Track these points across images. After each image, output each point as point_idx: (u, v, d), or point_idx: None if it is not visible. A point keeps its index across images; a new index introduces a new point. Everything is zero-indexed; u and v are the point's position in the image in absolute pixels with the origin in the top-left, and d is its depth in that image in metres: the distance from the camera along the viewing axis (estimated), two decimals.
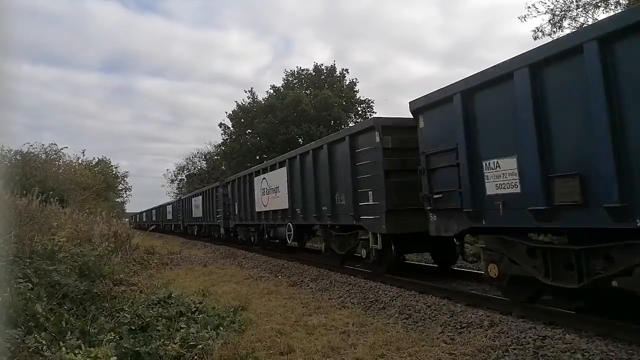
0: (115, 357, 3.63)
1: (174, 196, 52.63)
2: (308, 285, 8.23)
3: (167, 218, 36.28)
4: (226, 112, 34.16)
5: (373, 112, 32.87)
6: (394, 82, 78.88)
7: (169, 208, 36.23)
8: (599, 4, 17.59)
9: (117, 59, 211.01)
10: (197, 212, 24.76)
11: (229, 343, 4.40)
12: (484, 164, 5.47)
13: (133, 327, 4.84)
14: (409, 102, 6.86)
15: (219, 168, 42.02)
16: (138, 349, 3.95)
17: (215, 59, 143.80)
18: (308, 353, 4.27)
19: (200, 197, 23.95)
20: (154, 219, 43.01)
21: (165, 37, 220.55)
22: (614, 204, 4.03)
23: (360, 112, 33.30)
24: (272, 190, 13.02)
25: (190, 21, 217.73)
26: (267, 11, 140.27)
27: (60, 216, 10.94)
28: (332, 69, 33.57)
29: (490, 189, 5.39)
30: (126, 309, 5.55)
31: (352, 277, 8.52)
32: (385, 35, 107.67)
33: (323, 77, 33.56)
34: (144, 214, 52.77)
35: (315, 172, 10.14)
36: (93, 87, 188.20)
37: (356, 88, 33.44)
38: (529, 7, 18.40)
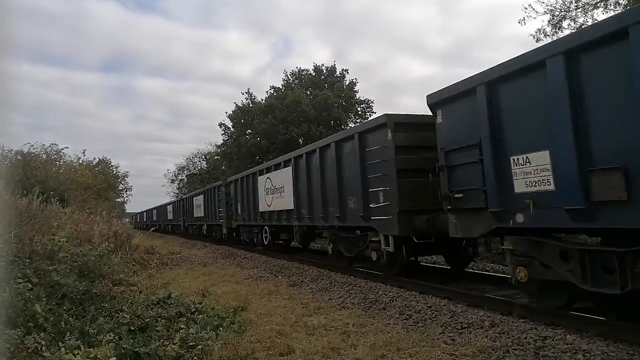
0: (115, 358, 3.61)
1: (174, 196, 52.57)
2: (308, 286, 8.22)
3: (195, 216, 25.47)
4: (226, 112, 34.22)
5: (373, 112, 32.89)
6: (394, 82, 78.93)
7: (198, 200, 24.14)
8: (598, 4, 17.59)
9: (116, 59, 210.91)
10: (277, 201, 12.61)
11: (228, 344, 4.39)
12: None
13: (132, 328, 4.83)
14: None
15: (220, 168, 42.04)
16: (137, 349, 3.93)
17: (215, 59, 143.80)
18: (308, 354, 4.26)
19: (292, 166, 11.52)
20: (169, 217, 34.48)
21: (164, 36, 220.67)
22: None
23: (360, 113, 33.31)
24: None
25: (189, 21, 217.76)
26: (266, 11, 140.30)
27: (60, 216, 10.93)
28: (332, 69, 33.60)
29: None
30: (125, 309, 5.54)
31: (352, 277, 8.50)
32: (385, 35, 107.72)
33: (323, 77, 33.57)
34: (154, 211, 45.04)
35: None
36: (93, 86, 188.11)
37: (356, 88, 33.46)
38: (526, 8, 18.42)
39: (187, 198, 27.77)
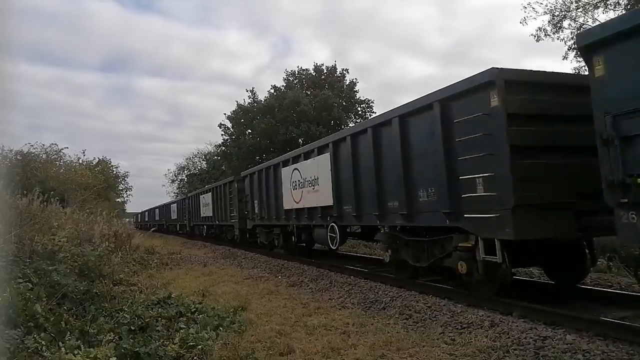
0: (115, 358, 3.63)
1: (174, 196, 52.59)
2: (308, 286, 8.23)
3: (261, 209, 13.68)
4: (225, 114, 34.25)
5: (373, 112, 32.91)
6: (393, 82, 78.91)
7: (272, 178, 12.87)
8: (599, 4, 17.61)
9: (115, 59, 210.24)
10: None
11: (228, 343, 4.40)
12: None
13: (132, 328, 4.84)
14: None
15: (219, 168, 42.08)
16: (137, 349, 3.94)
17: (214, 59, 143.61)
18: (308, 353, 4.26)
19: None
20: (214, 214, 20.44)
21: (163, 36, 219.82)
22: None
23: (360, 112, 33.33)
24: None
25: (188, 20, 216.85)
26: (265, 10, 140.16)
27: (60, 216, 10.95)
28: (333, 69, 33.61)
29: None
30: (126, 309, 5.55)
31: (352, 277, 8.50)
32: (385, 34, 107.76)
33: (323, 77, 33.58)
34: (173, 206, 34.35)
35: None
36: (92, 86, 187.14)
37: (356, 88, 33.48)
38: (525, 7, 18.43)
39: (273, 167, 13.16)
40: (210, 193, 21.40)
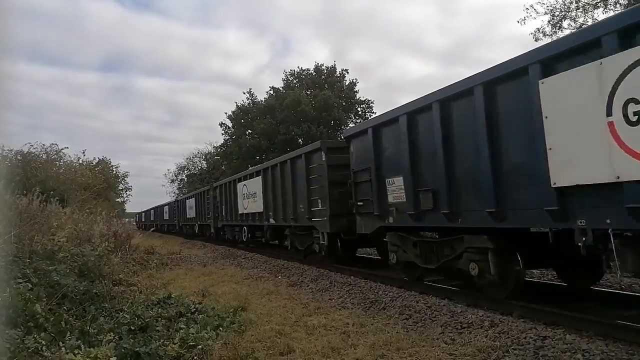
0: (115, 358, 3.63)
1: (174, 196, 52.56)
2: (308, 286, 8.23)
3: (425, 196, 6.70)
4: (225, 113, 34.28)
5: (373, 112, 32.95)
6: (393, 82, 78.93)
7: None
8: (598, 4, 17.62)
9: (114, 58, 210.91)
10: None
11: (228, 343, 4.40)
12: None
13: (132, 328, 4.85)
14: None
15: (220, 168, 42.11)
16: (137, 349, 3.94)
17: (213, 58, 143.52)
18: (308, 353, 4.27)
19: None
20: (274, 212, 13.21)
21: (162, 36, 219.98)
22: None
23: (360, 113, 33.36)
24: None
25: (187, 20, 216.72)
26: (264, 10, 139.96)
27: (60, 216, 10.94)
28: (333, 69, 33.65)
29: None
30: (126, 309, 5.56)
31: (352, 277, 8.51)
32: (384, 34, 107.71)
33: (323, 77, 33.61)
34: (190, 201, 26.78)
35: None
36: (91, 86, 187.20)
37: (356, 88, 33.51)
38: (527, 9, 18.47)
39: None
40: (259, 177, 13.93)
